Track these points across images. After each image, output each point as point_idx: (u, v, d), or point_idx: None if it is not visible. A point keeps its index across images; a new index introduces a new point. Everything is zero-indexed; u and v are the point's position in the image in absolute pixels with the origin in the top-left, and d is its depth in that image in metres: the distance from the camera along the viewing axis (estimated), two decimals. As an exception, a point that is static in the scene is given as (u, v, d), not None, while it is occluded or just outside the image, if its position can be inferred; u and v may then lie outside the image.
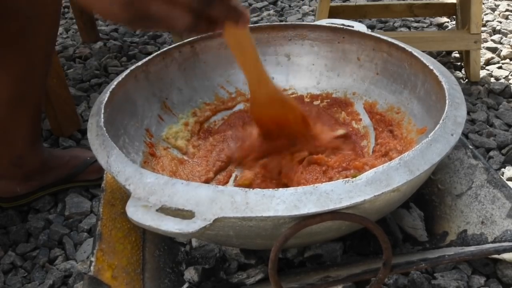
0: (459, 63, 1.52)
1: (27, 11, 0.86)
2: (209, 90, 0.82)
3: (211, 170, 0.72)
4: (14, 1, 0.85)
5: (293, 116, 0.70)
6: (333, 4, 1.51)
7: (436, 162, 0.50)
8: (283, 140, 0.71)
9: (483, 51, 1.54)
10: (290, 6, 2.04)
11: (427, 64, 0.66)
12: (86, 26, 1.80)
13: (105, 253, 0.61)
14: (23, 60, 0.92)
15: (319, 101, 0.83)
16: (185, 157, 0.74)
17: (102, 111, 0.61)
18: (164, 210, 0.46)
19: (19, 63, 0.92)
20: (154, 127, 0.75)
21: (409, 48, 0.72)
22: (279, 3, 2.07)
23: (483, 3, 1.85)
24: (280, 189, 0.46)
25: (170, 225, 0.44)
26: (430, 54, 1.48)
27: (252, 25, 0.84)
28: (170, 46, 0.79)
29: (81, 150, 1.17)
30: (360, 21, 1.27)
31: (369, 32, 0.78)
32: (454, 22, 1.72)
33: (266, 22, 1.85)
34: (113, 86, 0.67)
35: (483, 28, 1.68)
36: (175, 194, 0.47)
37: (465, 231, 0.63)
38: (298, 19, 1.91)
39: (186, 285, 0.61)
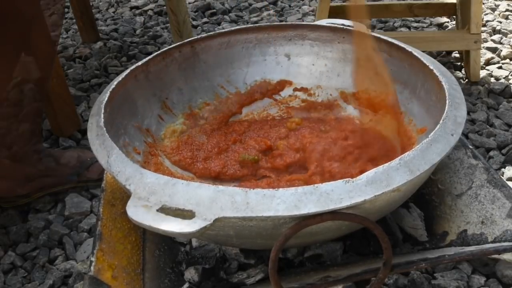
0: (459, 63, 1.52)
1: (28, 13, 0.87)
2: (209, 90, 0.82)
3: None
4: (15, 3, 0.85)
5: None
6: (333, 4, 1.50)
7: (436, 162, 0.50)
8: None
9: (483, 51, 1.54)
10: (290, 6, 2.03)
11: (427, 64, 0.66)
12: (86, 26, 1.80)
13: (105, 253, 0.61)
14: (24, 60, 0.92)
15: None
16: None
17: (102, 111, 0.61)
18: (165, 210, 0.46)
19: (20, 64, 0.92)
20: (154, 127, 0.75)
21: (409, 48, 0.72)
22: (279, 3, 2.07)
23: (483, 3, 1.85)
24: (280, 189, 0.46)
25: (171, 225, 0.44)
26: (430, 54, 1.48)
27: (252, 25, 0.84)
28: (170, 46, 0.79)
29: (81, 151, 1.17)
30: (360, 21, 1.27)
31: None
32: (454, 22, 1.72)
33: (266, 22, 1.85)
34: (113, 86, 0.67)
35: (483, 28, 1.68)
36: (175, 194, 0.47)
37: (465, 231, 0.63)
38: (298, 19, 1.91)
39: (186, 285, 0.61)
